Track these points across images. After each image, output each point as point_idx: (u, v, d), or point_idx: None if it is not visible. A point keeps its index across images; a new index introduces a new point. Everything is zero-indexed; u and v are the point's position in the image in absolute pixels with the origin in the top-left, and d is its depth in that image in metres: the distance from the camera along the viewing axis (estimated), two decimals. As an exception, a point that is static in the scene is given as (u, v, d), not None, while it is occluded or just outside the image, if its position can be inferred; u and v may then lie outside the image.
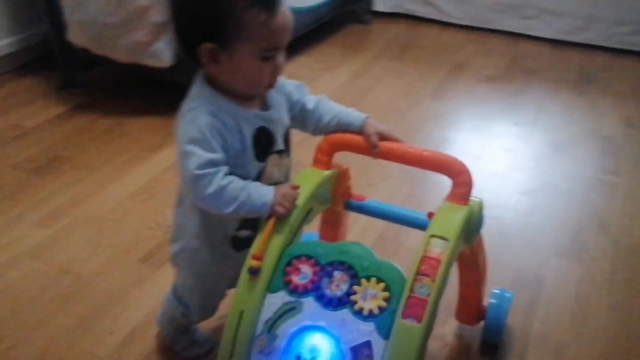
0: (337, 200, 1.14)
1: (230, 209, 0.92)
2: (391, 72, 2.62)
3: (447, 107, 2.34)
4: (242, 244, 1.02)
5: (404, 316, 0.84)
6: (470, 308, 1.28)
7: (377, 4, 3.17)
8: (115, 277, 1.46)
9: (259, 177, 1.00)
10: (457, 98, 2.41)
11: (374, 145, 1.03)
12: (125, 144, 2.02)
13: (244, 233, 1.03)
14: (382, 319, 0.86)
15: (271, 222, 0.93)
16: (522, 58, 2.78)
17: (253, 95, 0.98)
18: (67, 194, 1.76)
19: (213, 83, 0.96)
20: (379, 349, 0.85)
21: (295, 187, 0.96)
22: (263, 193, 0.94)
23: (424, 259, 0.88)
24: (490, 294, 1.29)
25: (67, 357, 1.25)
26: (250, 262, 0.91)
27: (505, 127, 2.21)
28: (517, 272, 1.52)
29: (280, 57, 0.94)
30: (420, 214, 1.12)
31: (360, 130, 1.05)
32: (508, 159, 2.02)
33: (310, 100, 1.09)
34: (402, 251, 1.56)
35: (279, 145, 1.02)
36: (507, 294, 1.29)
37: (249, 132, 0.96)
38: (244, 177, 0.96)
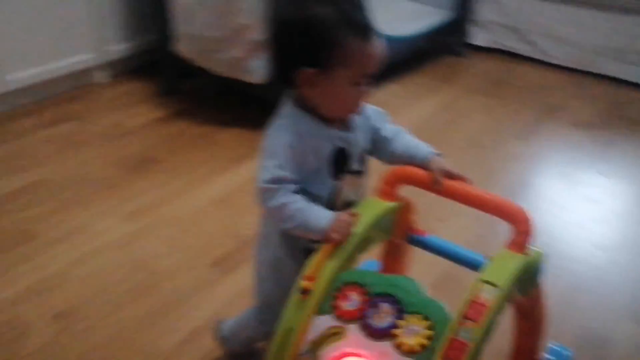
0: (398, 232, 1.16)
1: (287, 226, 0.98)
2: (479, 108, 2.60)
3: (533, 150, 2.28)
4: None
5: (444, 358, 0.85)
6: None
7: (474, 37, 3.15)
8: (186, 278, 1.55)
9: (333, 195, 1.05)
10: (545, 141, 2.35)
11: (436, 182, 1.05)
12: (214, 152, 2.15)
13: (316, 245, 1.04)
14: (421, 358, 0.87)
15: (327, 246, 0.97)
16: (622, 105, 2.67)
17: (338, 118, 1.03)
18: (155, 194, 1.90)
19: (301, 103, 1.01)
20: (415, 386, 0.86)
21: (354, 215, 0.99)
22: (320, 218, 0.97)
23: (472, 303, 0.88)
24: (547, 348, 1.26)
25: (132, 346, 1.35)
26: (302, 282, 0.95)
27: (592, 177, 2.13)
28: (582, 330, 1.46)
29: (367, 85, 0.98)
30: (480, 256, 1.12)
31: (426, 165, 1.07)
32: (590, 210, 1.94)
33: (388, 129, 1.12)
34: (463, 292, 1.54)
35: (355, 166, 1.06)
36: (565, 352, 1.25)
37: (327, 151, 1.01)
38: (319, 194, 1.01)
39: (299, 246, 1.07)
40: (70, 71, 2.48)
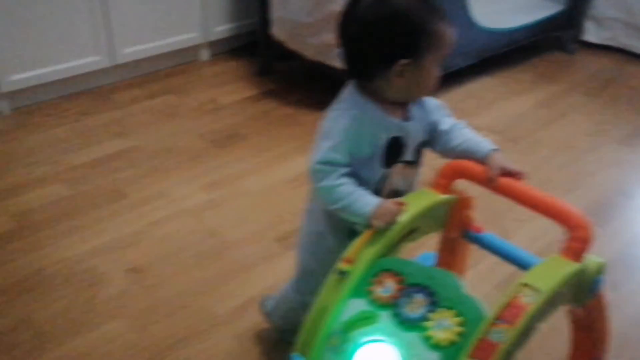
0: (453, 227, 1.13)
1: (334, 207, 1.00)
2: (580, 108, 2.43)
3: (636, 157, 2.11)
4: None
5: (471, 356, 0.82)
6: (581, 375, 1.17)
7: (589, 33, 2.95)
8: (251, 248, 1.61)
9: (381, 182, 1.05)
10: (650, 149, 2.16)
11: (491, 179, 1.01)
12: (296, 133, 2.19)
13: (360, 227, 1.05)
14: (449, 353, 0.85)
15: (369, 231, 0.97)
16: None
17: (414, 100, 1.05)
18: (235, 168, 1.98)
19: (363, 89, 1.01)
20: (439, 381, 0.84)
21: (400, 204, 0.98)
22: (365, 204, 0.98)
23: (509, 305, 0.85)
24: (608, 367, 1.17)
25: (191, 306, 1.42)
26: (341, 264, 0.96)
27: (699, 192, 1.93)
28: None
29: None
30: (538, 259, 1.06)
31: (484, 161, 1.03)
32: (691, 227, 1.77)
33: (446, 122, 1.10)
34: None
35: (408, 156, 1.06)
36: (627, 373, 1.16)
37: (383, 138, 1.01)
38: (368, 179, 1.02)
39: (341, 225, 1.08)
40: (177, 48, 2.63)
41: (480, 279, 1.52)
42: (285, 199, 1.82)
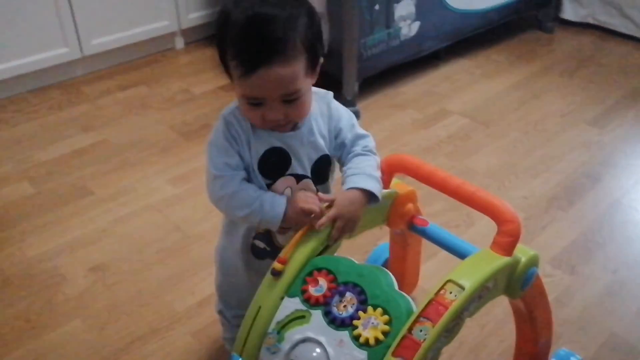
0: (396, 220, 1.13)
1: (241, 214, 0.95)
2: (555, 89, 2.42)
3: (604, 138, 2.10)
4: (261, 254, 1.07)
5: (394, 354, 0.83)
6: (528, 362, 1.19)
7: (566, 11, 2.92)
8: (213, 244, 1.61)
9: None
10: (620, 129, 2.15)
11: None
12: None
13: (260, 244, 1.06)
14: (375, 352, 0.86)
15: (302, 230, 0.97)
16: None
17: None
18: (203, 160, 1.96)
19: None
20: (366, 379, 0.85)
21: (312, 199, 0.96)
22: (276, 204, 0.95)
23: (432, 302, 0.85)
24: (555, 353, 1.19)
25: (151, 304, 1.44)
26: (275, 264, 0.96)
27: (667, 172, 1.93)
28: (611, 337, 1.36)
29: (268, 108, 0.90)
30: (478, 249, 1.07)
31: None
32: (657, 209, 1.77)
33: (349, 139, 1.02)
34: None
35: (298, 169, 0.99)
36: (572, 358, 1.17)
37: (259, 149, 0.96)
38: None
39: (238, 238, 1.06)
40: (149, 37, 2.60)
41: (440, 268, 1.53)
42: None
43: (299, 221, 0.96)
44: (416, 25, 2.33)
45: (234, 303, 1.17)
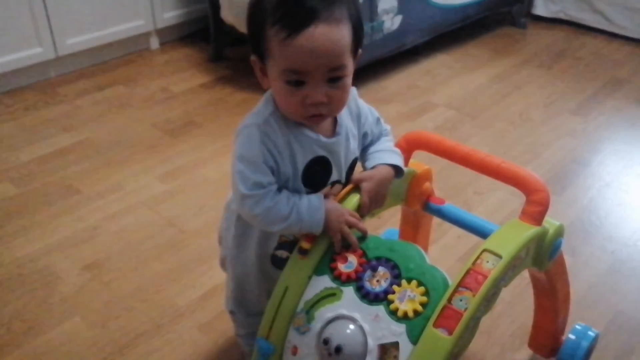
0: (413, 199, 1.12)
1: (278, 228, 0.89)
2: (534, 81, 2.46)
3: (588, 126, 2.15)
4: (282, 263, 1.00)
5: (436, 325, 0.82)
6: (545, 339, 1.19)
7: (538, 7, 2.99)
8: (211, 238, 1.55)
9: None
10: (602, 117, 2.21)
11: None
12: (253, 119, 2.15)
13: (283, 254, 1.00)
14: (415, 324, 0.84)
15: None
16: (695, 82, 2.46)
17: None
18: (191, 156, 1.93)
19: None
20: (406, 353, 0.83)
21: (355, 217, 0.92)
22: (313, 211, 0.89)
23: (470, 271, 0.84)
24: (572, 328, 1.19)
25: (152, 299, 1.38)
26: (302, 242, 0.93)
27: (650, 156, 1.98)
28: (618, 314, 1.37)
29: (312, 87, 0.82)
30: (496, 226, 1.06)
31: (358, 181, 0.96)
32: (644, 191, 1.82)
33: (375, 134, 1.01)
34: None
35: (336, 176, 0.95)
36: (590, 332, 1.17)
37: (304, 159, 0.90)
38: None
39: (251, 253, 1.01)
40: (124, 37, 2.54)
41: (443, 253, 1.52)
42: (244, 184, 1.78)
43: (339, 229, 0.90)
44: (398, 19, 2.34)
45: (247, 309, 1.11)
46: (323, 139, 0.90)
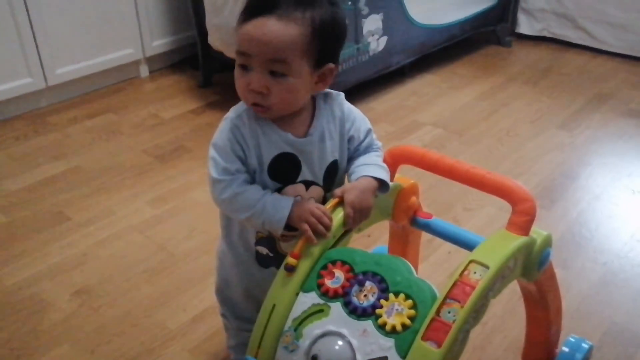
0: (400, 214, 1.12)
1: (243, 216, 0.93)
2: (520, 97, 2.49)
3: (575, 140, 2.17)
4: (265, 261, 1.02)
5: (424, 338, 0.81)
6: (539, 352, 1.18)
7: (522, 26, 3.04)
8: (201, 261, 1.57)
9: None
10: (589, 131, 2.23)
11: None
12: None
13: (263, 250, 1.02)
14: (403, 337, 0.83)
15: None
16: (678, 95, 2.50)
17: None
18: (180, 181, 1.93)
19: None
20: (395, 367, 0.82)
21: (321, 211, 0.92)
22: (280, 206, 0.91)
23: (458, 283, 0.84)
24: (565, 341, 1.18)
25: (142, 324, 1.37)
26: (288, 259, 0.93)
27: (638, 169, 1.99)
28: (612, 325, 1.37)
29: (253, 73, 0.87)
30: (484, 239, 1.06)
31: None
32: (633, 202, 1.82)
33: (364, 143, 1.02)
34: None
35: (309, 176, 0.97)
36: (584, 344, 1.17)
37: (269, 153, 0.93)
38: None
39: (239, 244, 1.04)
40: (113, 66, 2.56)
41: (434, 270, 1.52)
42: (234, 207, 1.78)
43: (305, 219, 0.91)
44: (384, 40, 2.37)
45: (232, 308, 1.13)
46: (292, 137, 0.94)
